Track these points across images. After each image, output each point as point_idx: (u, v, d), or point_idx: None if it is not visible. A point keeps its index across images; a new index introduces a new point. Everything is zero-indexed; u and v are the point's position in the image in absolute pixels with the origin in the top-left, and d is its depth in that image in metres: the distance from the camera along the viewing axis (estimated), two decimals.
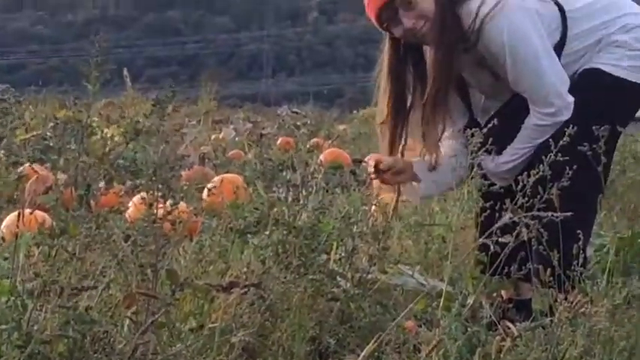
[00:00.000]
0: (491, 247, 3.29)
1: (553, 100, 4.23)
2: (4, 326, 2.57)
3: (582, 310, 3.01)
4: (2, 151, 2.77)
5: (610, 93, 4.32)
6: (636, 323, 3.22)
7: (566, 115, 4.17)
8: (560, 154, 3.46)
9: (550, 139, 3.62)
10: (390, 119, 4.51)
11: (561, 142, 3.49)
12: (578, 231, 3.45)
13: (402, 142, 4.51)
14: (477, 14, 4.23)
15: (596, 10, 4.45)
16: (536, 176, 3.34)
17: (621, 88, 4.36)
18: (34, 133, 3.26)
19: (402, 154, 4.47)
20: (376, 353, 2.84)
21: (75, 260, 3.01)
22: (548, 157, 3.46)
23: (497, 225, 3.32)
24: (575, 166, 3.56)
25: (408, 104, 4.52)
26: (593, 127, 3.81)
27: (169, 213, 3.15)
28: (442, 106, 4.39)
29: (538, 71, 4.28)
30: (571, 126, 3.61)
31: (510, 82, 4.31)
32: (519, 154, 4.28)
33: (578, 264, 3.34)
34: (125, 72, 11.79)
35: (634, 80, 4.30)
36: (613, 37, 4.38)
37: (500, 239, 3.27)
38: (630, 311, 3.37)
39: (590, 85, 4.37)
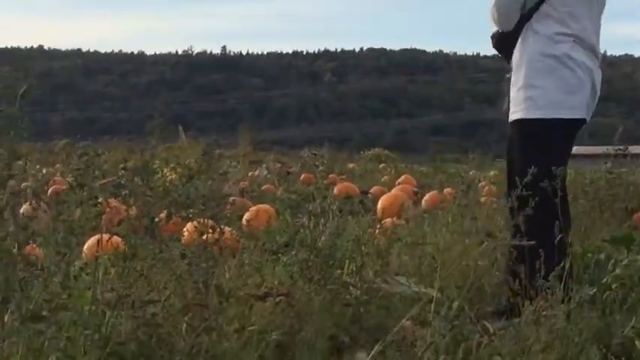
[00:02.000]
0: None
1: None
2: (87, 331, 2.59)
3: (544, 312, 3.01)
4: (85, 193, 2.79)
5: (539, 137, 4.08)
6: (587, 323, 3.22)
7: None
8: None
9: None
10: None
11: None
12: (540, 250, 3.44)
13: None
14: None
15: None
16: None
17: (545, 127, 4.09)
18: (110, 179, 3.29)
19: None
20: (382, 348, 2.84)
21: (143, 277, 3.03)
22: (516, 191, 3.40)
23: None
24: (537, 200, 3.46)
25: None
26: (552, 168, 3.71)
27: (217, 239, 3.17)
28: None
29: None
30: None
31: None
32: None
33: (540, 276, 3.33)
34: (180, 128, 11.82)
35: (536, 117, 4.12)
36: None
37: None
38: (582, 313, 3.37)
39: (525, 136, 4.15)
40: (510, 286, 3.56)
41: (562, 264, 3.37)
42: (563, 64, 4.15)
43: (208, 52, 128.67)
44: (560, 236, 3.56)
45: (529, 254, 3.56)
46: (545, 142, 4.12)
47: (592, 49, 4.23)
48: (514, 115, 4.19)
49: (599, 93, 4.32)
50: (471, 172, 13.78)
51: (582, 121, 4.22)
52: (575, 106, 4.15)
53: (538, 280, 3.29)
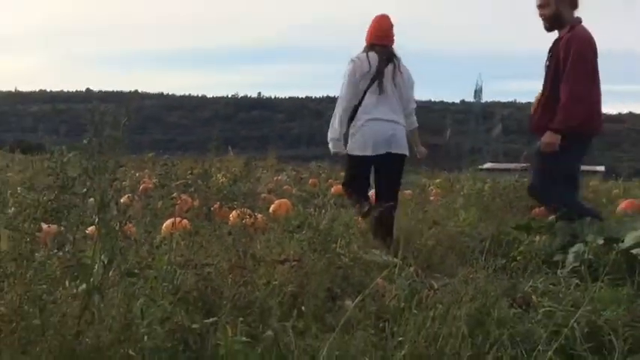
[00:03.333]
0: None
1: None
2: (165, 283, 2.59)
3: (471, 276, 3.01)
4: (165, 190, 2.82)
5: None
6: (500, 283, 3.23)
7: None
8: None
9: None
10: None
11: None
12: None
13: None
14: None
15: None
16: None
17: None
18: (181, 181, 3.28)
19: None
20: (362, 299, 2.84)
21: (202, 248, 3.03)
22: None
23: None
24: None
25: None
26: None
27: (253, 223, 3.18)
28: None
29: None
30: None
31: None
32: None
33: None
34: (229, 147, 11.72)
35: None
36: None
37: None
38: (497, 276, 3.38)
39: None
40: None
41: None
42: (357, 130, 5.22)
43: (248, 96, 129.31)
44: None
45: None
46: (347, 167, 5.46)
47: (389, 120, 5.21)
48: None
49: (393, 138, 5.23)
50: (423, 180, 13.70)
51: (364, 157, 5.23)
52: (356, 151, 5.22)
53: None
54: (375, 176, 5.34)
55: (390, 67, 5.20)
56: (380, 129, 5.15)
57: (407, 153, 5.33)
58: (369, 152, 5.16)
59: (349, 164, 5.36)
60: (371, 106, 5.15)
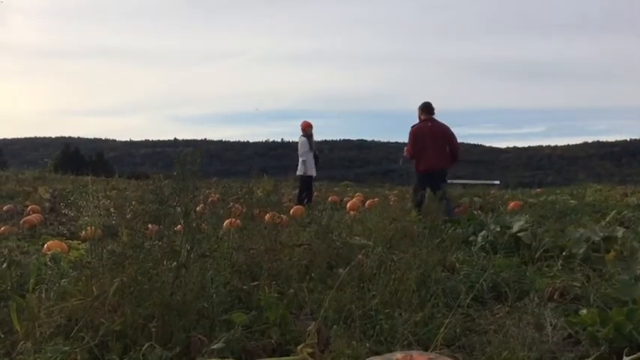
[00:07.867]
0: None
1: None
2: (225, 260, 2.57)
3: (417, 252, 2.97)
4: (224, 201, 2.82)
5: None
6: (435, 255, 3.17)
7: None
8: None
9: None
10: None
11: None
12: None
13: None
14: None
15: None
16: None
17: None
18: (235, 195, 3.25)
19: None
20: (349, 268, 2.81)
21: (249, 237, 3.01)
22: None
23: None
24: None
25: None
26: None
27: (280, 220, 3.16)
28: None
29: None
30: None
31: None
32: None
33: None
34: (264, 174, 11.58)
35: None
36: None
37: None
38: (434, 251, 3.32)
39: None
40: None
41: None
42: (305, 164, 9.41)
43: (275, 140, 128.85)
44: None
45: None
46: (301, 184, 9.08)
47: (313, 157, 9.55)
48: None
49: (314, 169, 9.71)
50: (386, 191, 13.63)
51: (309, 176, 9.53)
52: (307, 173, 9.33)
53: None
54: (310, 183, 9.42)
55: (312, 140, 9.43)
56: (312, 165, 9.46)
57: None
58: (309, 174, 9.48)
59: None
60: (308, 156, 9.35)
